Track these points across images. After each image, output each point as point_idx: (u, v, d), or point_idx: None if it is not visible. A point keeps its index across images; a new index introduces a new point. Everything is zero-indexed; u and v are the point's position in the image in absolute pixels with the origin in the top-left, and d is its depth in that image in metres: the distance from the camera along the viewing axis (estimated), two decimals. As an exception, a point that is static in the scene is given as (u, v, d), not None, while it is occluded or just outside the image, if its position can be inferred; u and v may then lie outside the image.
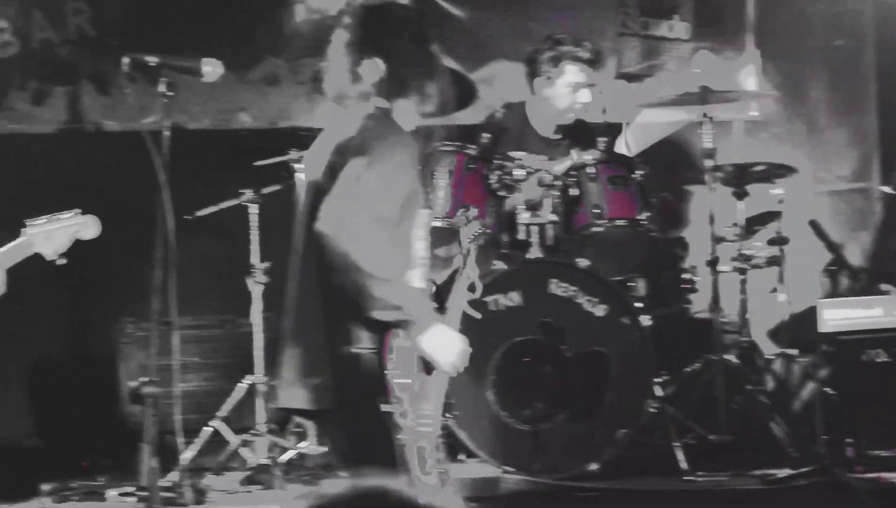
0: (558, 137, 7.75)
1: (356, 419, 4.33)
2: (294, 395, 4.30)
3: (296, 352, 4.37)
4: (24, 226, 5.01)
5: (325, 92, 4.50)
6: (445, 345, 4.36)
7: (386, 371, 4.19)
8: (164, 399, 5.24)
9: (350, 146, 4.22)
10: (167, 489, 6.28)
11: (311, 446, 7.07)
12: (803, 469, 6.87)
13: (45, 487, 7.36)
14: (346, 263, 4.16)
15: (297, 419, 7.06)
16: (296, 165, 7.58)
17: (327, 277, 4.29)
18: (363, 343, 4.23)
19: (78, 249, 8.47)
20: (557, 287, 6.79)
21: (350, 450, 4.41)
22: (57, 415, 8.14)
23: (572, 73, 7.53)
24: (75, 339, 8.56)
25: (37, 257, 5.04)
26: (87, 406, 8.17)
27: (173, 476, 6.60)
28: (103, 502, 7.05)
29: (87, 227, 5.03)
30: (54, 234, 5.06)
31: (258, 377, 7.42)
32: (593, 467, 6.87)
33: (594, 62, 7.69)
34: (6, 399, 8.04)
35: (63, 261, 5.03)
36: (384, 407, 4.16)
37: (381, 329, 4.23)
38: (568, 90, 7.54)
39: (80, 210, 5.04)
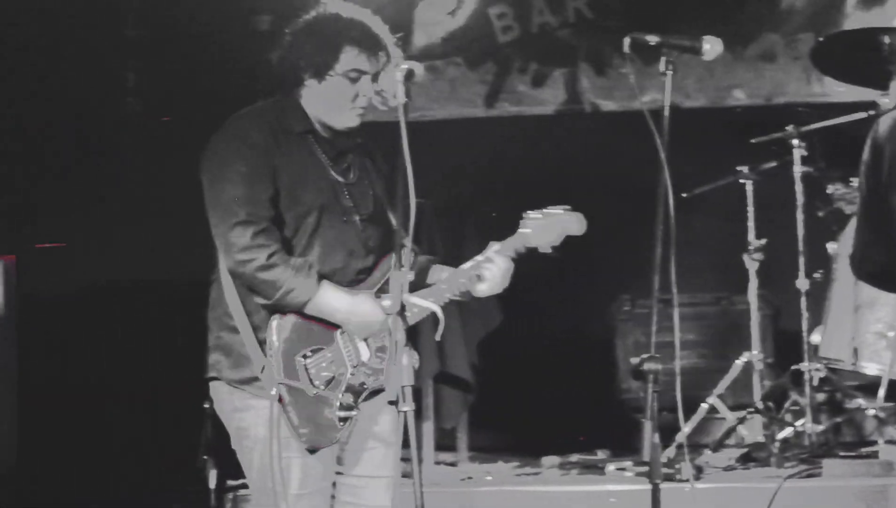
0: None
1: None
2: None
3: None
4: (522, 218, 5.17)
5: None
6: None
7: None
8: (663, 376, 5.25)
9: None
10: (665, 464, 6.33)
11: (808, 424, 6.99)
12: None
13: (547, 460, 7.63)
14: None
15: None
16: (793, 142, 7.62)
17: None
18: None
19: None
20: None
21: None
22: (557, 389, 8.33)
23: None
24: (574, 317, 8.76)
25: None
26: (586, 382, 8.36)
27: (670, 452, 6.73)
28: (602, 475, 7.19)
29: (576, 223, 5.07)
30: (548, 228, 5.12)
31: (755, 354, 7.42)
32: None
33: None
34: (508, 370, 8.24)
35: (554, 254, 5.18)
36: None
37: None
38: None
39: (569, 206, 5.18)
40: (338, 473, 4.91)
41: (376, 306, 4.82)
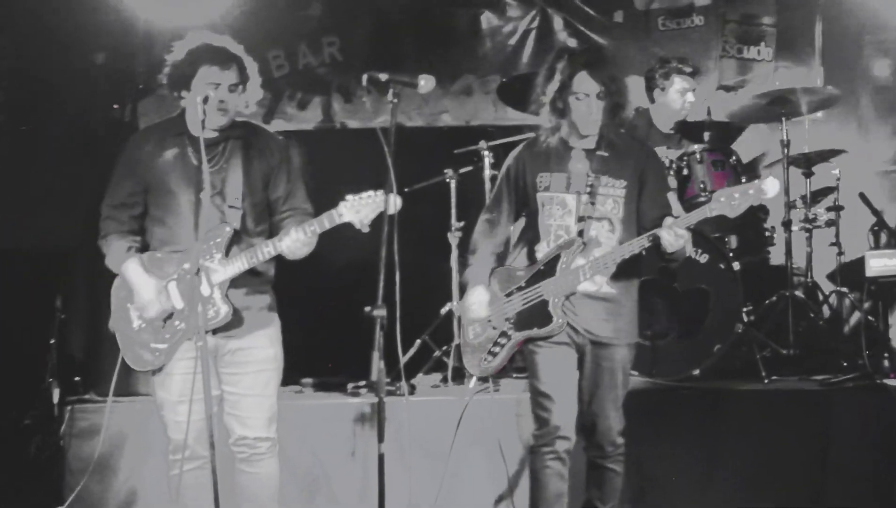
0: (671, 131, 8.54)
1: None
2: None
3: None
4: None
5: None
6: None
7: None
8: (387, 320, 5.61)
9: None
10: (388, 384, 6.22)
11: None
12: (851, 375, 7.80)
13: (305, 380, 8.63)
14: None
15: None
16: (483, 152, 8.75)
17: None
18: None
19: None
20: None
21: None
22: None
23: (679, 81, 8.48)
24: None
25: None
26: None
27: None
28: (345, 392, 8.11)
29: (391, 203, 5.42)
30: (364, 207, 5.63)
31: (454, 304, 8.52)
32: (696, 372, 7.93)
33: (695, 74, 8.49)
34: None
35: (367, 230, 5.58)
36: None
37: None
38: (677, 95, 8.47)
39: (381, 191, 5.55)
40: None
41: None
